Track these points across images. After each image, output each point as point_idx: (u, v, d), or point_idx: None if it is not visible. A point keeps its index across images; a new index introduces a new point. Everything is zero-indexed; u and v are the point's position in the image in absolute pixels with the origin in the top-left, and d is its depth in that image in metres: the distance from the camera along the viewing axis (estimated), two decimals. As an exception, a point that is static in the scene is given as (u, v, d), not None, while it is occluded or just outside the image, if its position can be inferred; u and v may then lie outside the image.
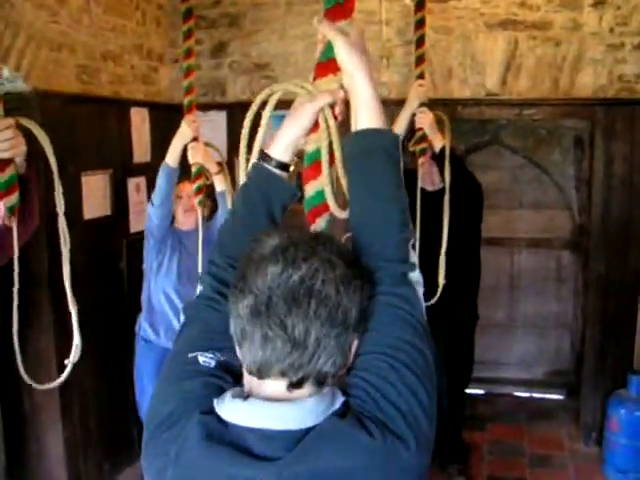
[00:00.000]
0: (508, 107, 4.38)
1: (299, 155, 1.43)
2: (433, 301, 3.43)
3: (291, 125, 1.39)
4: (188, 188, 3.57)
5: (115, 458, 4.13)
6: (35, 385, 2.80)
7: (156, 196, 3.45)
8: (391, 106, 3.78)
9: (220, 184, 3.55)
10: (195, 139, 3.44)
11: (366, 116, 1.32)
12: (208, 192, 3.61)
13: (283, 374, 1.07)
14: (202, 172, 3.50)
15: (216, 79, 4.69)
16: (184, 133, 3.42)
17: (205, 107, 4.46)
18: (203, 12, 4.54)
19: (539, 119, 4.55)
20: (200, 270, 3.35)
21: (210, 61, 4.67)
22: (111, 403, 4.08)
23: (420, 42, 3.61)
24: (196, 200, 3.51)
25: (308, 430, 1.02)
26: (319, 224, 1.47)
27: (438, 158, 3.63)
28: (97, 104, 3.88)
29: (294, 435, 1.02)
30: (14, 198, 2.56)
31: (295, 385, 1.07)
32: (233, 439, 1.03)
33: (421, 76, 3.61)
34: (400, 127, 3.58)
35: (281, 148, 1.38)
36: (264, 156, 1.39)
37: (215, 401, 1.09)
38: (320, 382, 1.08)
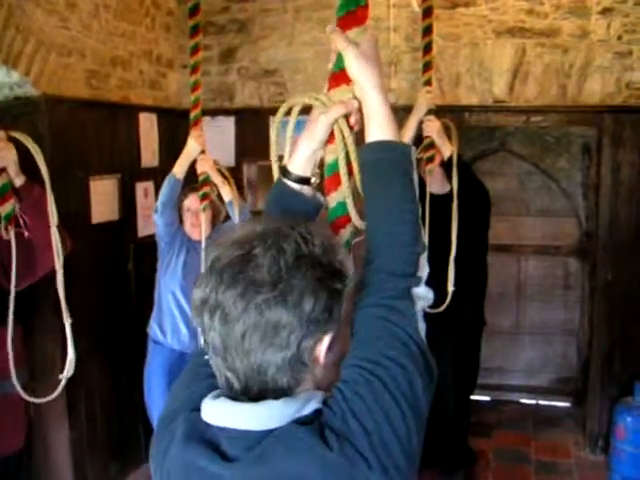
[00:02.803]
0: (516, 114, 4.38)
1: (320, 166, 1.41)
2: (442, 308, 3.43)
3: (307, 138, 1.37)
4: (196, 204, 3.64)
5: (122, 460, 4.14)
6: (33, 400, 2.82)
7: (159, 204, 3.60)
8: (399, 112, 3.79)
9: (226, 195, 3.67)
10: (202, 152, 3.56)
11: (376, 127, 1.30)
12: (220, 199, 3.73)
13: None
14: (209, 181, 3.60)
15: (225, 84, 4.70)
16: (192, 148, 3.55)
17: (213, 112, 4.48)
18: (212, 18, 4.56)
19: (547, 126, 4.55)
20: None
21: (219, 67, 4.68)
22: (118, 404, 4.09)
23: (427, 49, 3.61)
24: (201, 206, 3.58)
25: (270, 432, 1.02)
26: (343, 236, 1.42)
27: (446, 165, 3.64)
28: (106, 109, 3.91)
29: (255, 436, 1.02)
30: (9, 206, 2.59)
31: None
32: (209, 437, 1.06)
33: (428, 83, 3.61)
34: (408, 134, 3.59)
35: (299, 162, 1.37)
36: (284, 171, 1.38)
37: (203, 400, 1.11)
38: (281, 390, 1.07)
